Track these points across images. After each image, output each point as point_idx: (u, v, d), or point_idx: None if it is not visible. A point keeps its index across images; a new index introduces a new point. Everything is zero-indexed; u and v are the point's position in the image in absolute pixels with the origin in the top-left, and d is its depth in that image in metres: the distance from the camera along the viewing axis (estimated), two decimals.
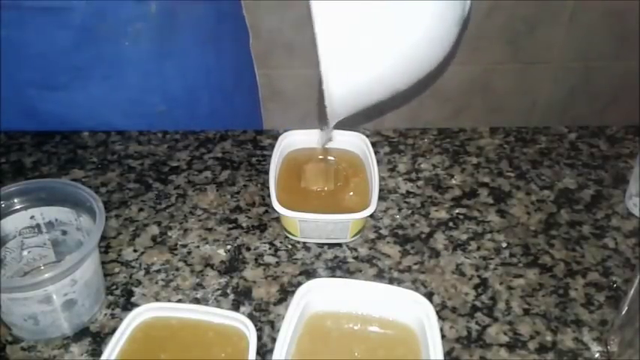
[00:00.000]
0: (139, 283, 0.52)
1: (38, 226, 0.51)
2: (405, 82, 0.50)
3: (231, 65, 0.78)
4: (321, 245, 0.56)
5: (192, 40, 0.72)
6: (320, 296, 0.46)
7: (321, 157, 0.61)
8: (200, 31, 0.72)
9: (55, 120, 0.69)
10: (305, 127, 0.62)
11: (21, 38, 0.64)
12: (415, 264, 0.54)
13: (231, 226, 0.58)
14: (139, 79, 0.69)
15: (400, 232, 0.57)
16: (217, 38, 0.75)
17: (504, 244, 0.56)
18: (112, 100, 0.70)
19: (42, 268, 0.52)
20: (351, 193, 0.57)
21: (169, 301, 0.51)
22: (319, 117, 0.52)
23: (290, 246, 0.56)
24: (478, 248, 0.56)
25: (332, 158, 0.61)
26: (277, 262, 0.54)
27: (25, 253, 0.51)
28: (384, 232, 0.57)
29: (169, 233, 0.57)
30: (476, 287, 0.52)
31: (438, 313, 0.47)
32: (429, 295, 0.51)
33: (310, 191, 0.57)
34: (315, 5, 0.45)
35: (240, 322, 0.44)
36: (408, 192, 0.62)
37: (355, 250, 0.56)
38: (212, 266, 0.54)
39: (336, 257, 0.55)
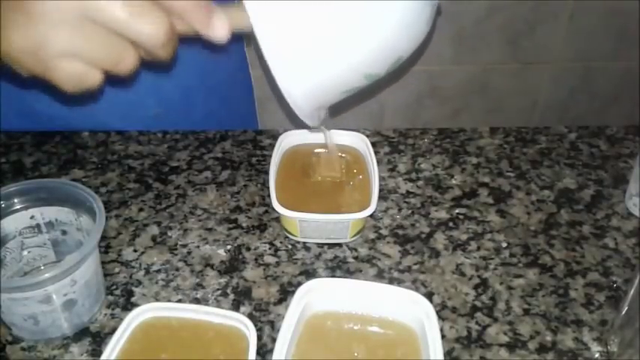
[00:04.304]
0: (139, 283, 0.52)
1: (38, 226, 0.51)
2: (377, 70, 0.46)
3: (226, 66, 0.78)
4: (321, 245, 0.56)
5: (187, 42, 0.72)
6: (320, 296, 0.46)
7: (323, 150, 0.61)
8: None
9: (52, 121, 0.69)
10: (304, 127, 0.62)
11: None
12: (415, 264, 0.54)
13: (231, 226, 0.58)
14: (134, 81, 0.69)
15: (400, 232, 0.57)
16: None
17: (504, 244, 0.56)
18: (107, 102, 0.70)
19: (42, 268, 0.52)
20: (352, 188, 0.57)
21: (169, 301, 0.51)
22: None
23: (290, 246, 0.56)
24: (478, 248, 0.56)
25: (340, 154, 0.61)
26: (277, 262, 0.54)
27: (25, 253, 0.51)
28: (384, 232, 0.57)
29: (169, 233, 0.57)
30: (476, 287, 0.52)
31: (438, 313, 0.47)
32: (429, 295, 0.51)
33: (311, 191, 0.57)
34: (250, 6, 0.40)
35: (240, 322, 0.44)
36: (408, 192, 0.62)
37: (355, 250, 0.56)
38: (212, 266, 0.54)
39: (336, 257, 0.55)
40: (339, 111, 0.53)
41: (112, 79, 0.40)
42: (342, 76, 0.45)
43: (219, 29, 0.40)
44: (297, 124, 0.50)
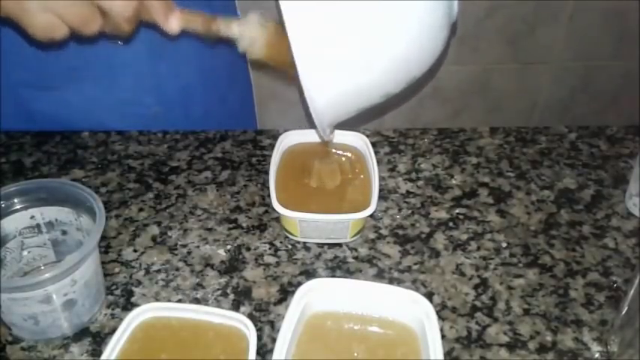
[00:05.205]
0: (139, 283, 0.52)
1: (38, 226, 0.51)
2: (392, 88, 0.48)
3: (225, 66, 0.78)
4: (321, 245, 0.56)
5: (186, 41, 0.72)
6: (320, 296, 0.46)
7: (326, 153, 0.61)
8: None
9: (50, 120, 0.69)
10: (304, 127, 0.62)
11: (16, 38, 0.64)
12: (415, 264, 0.54)
13: (231, 226, 0.58)
14: (133, 80, 0.69)
15: (400, 232, 0.57)
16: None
17: (504, 244, 0.56)
18: (106, 101, 0.70)
19: (42, 268, 0.52)
20: (352, 188, 0.57)
21: (169, 301, 0.51)
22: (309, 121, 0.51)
23: (290, 246, 0.56)
24: (478, 248, 0.56)
25: (340, 152, 0.61)
26: (277, 262, 0.54)
27: (25, 253, 0.51)
28: (384, 232, 0.57)
29: (169, 233, 0.57)
30: (476, 287, 0.52)
31: (438, 313, 0.47)
32: (429, 295, 0.51)
33: (311, 191, 0.57)
34: (286, 9, 0.42)
35: (240, 322, 0.44)
36: (408, 192, 0.62)
37: (355, 250, 0.56)
38: (212, 266, 0.54)
39: (336, 257, 0.55)
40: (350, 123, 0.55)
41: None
42: (362, 91, 0.47)
43: (172, 24, 0.48)
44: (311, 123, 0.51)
